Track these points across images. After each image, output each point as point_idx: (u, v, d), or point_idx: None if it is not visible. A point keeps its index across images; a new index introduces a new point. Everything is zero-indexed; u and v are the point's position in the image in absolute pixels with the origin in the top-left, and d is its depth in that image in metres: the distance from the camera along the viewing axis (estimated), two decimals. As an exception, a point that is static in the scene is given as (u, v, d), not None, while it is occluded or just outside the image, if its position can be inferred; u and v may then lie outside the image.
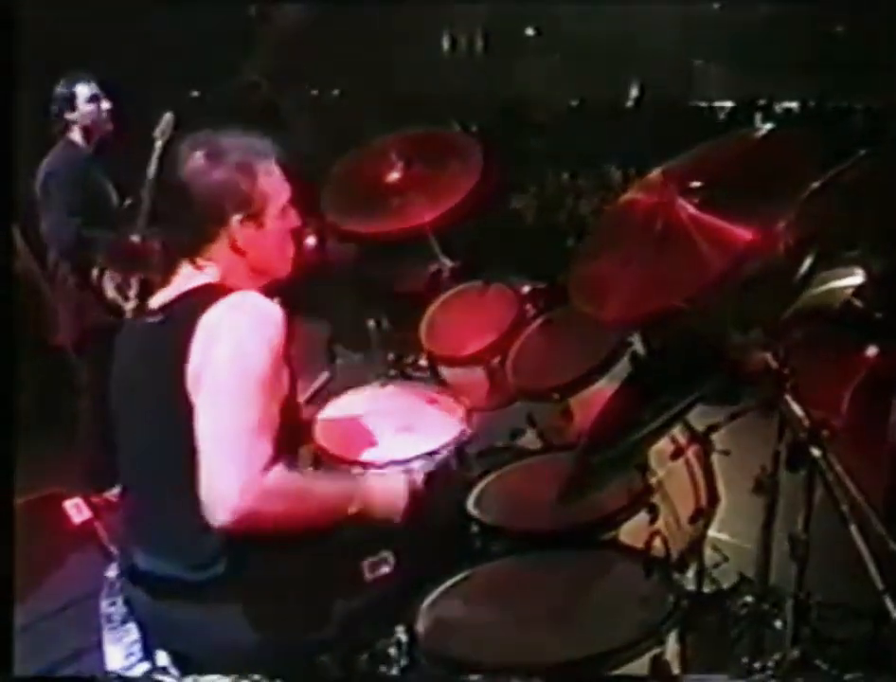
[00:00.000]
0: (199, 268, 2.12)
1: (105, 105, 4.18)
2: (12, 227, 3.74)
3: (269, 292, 2.15)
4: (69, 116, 4.14)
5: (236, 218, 2.09)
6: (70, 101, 4.12)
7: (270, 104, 5.37)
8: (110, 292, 3.96)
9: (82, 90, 4.13)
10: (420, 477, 2.29)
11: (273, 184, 2.14)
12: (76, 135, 4.16)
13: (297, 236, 2.24)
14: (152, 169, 3.86)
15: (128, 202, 4.17)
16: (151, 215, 3.90)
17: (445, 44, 6.15)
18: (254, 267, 2.15)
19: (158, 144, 3.92)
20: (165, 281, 2.16)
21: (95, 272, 4.00)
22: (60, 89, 4.13)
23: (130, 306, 4.15)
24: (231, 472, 1.90)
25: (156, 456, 2.06)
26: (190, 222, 2.12)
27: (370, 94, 5.78)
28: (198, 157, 2.10)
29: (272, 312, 2.03)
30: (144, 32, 5.23)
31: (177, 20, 5.22)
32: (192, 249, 2.13)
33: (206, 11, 5.21)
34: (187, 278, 2.12)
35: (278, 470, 1.98)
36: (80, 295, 4.10)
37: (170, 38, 5.30)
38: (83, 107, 4.13)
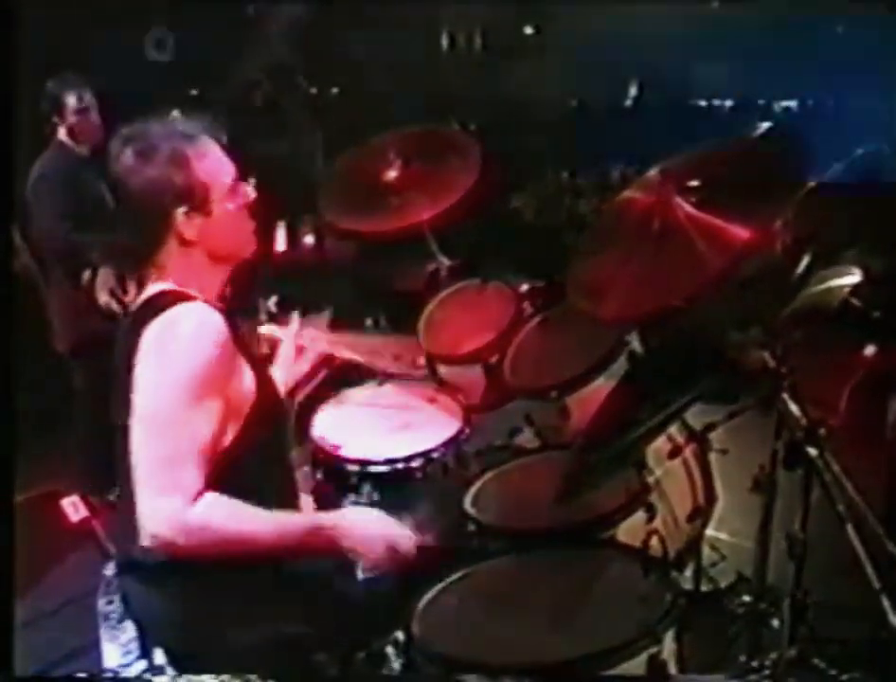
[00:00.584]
0: (159, 272, 2.06)
1: (92, 109, 4.16)
2: (12, 227, 3.76)
3: (268, 285, 2.11)
4: (56, 118, 4.12)
5: (179, 212, 2.01)
6: (57, 103, 4.11)
7: (272, 102, 5.36)
8: (103, 296, 3.96)
9: (69, 92, 4.11)
10: (410, 544, 2.09)
11: (210, 167, 2.03)
12: (64, 137, 4.15)
13: (253, 211, 2.12)
14: None
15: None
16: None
17: (444, 42, 6.15)
18: (212, 255, 2.07)
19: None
20: (142, 283, 2.12)
21: (86, 276, 4.00)
22: (48, 90, 4.11)
23: (127, 311, 4.18)
24: (147, 500, 1.86)
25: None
26: (135, 223, 2.06)
27: (369, 92, 5.78)
28: (128, 155, 2.01)
29: (210, 325, 1.96)
30: (144, 33, 5.23)
31: (177, 20, 5.23)
32: (147, 250, 2.07)
33: (205, 11, 5.21)
34: (157, 278, 2.08)
35: (213, 501, 1.90)
36: (74, 298, 4.08)
37: (169, 38, 5.30)
38: (70, 109, 4.10)
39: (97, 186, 4.16)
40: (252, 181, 2.14)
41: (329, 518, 2.08)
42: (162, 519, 1.86)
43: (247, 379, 2.04)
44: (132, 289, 4.16)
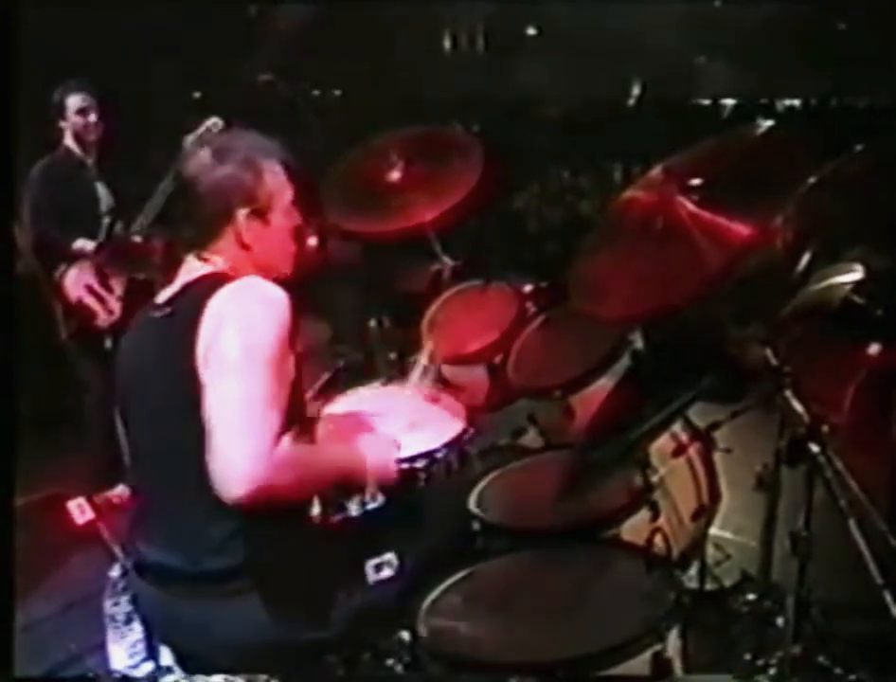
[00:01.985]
0: (205, 260, 2.13)
1: (93, 116, 4.19)
2: (14, 227, 3.77)
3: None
4: (62, 123, 4.17)
5: (242, 213, 2.11)
6: (61, 110, 4.15)
7: (285, 103, 5.37)
8: (74, 292, 4.02)
9: (73, 99, 4.16)
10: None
11: (277, 182, 2.16)
12: (70, 141, 4.19)
13: (299, 235, 2.25)
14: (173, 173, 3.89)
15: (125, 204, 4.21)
16: (159, 214, 3.95)
17: (446, 43, 6.15)
18: (258, 263, 2.16)
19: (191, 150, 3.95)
20: (168, 279, 2.17)
21: (59, 271, 4.04)
22: (53, 97, 4.16)
23: (109, 307, 4.22)
24: (243, 443, 1.91)
25: (167, 447, 2.06)
26: (197, 217, 2.14)
27: (371, 93, 5.79)
28: (204, 154, 2.13)
29: (279, 295, 2.04)
30: (146, 33, 5.24)
31: (179, 20, 5.23)
32: (199, 244, 2.14)
33: (207, 12, 5.22)
34: (191, 270, 2.14)
35: (286, 441, 2.01)
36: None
37: (171, 39, 5.30)
38: (73, 116, 4.15)
39: (94, 188, 4.21)
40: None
41: (355, 445, 2.25)
42: (257, 460, 1.90)
43: (291, 361, 2.10)
44: (116, 288, 4.23)
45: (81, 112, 4.16)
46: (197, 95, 5.69)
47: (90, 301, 4.08)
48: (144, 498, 2.18)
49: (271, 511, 1.94)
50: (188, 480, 1.98)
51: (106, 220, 4.21)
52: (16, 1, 2.31)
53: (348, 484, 2.18)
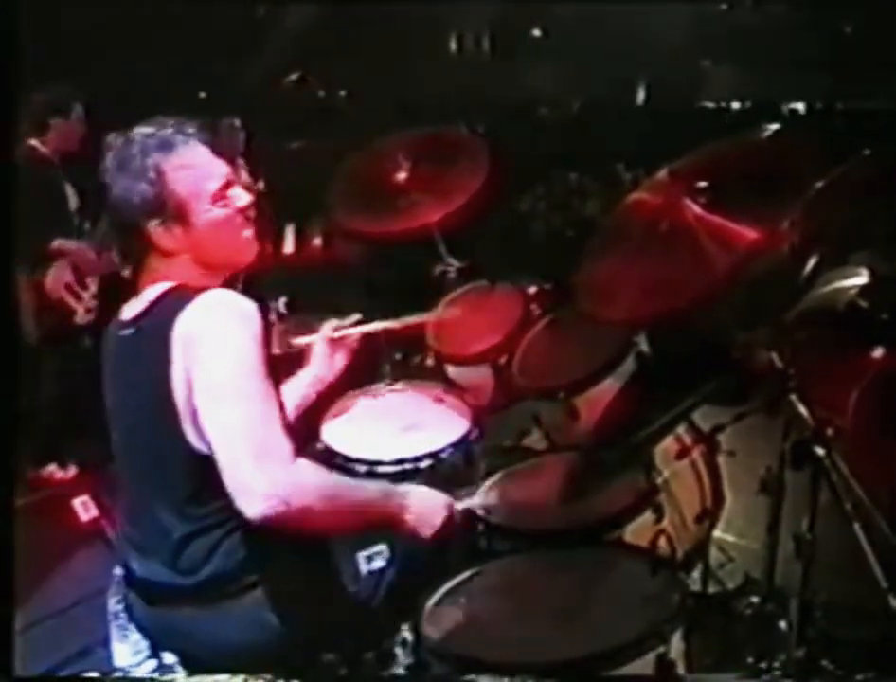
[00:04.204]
0: (154, 275, 2.03)
1: (76, 117, 4.22)
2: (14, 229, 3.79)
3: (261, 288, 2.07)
4: (29, 123, 4.17)
5: (152, 224, 1.97)
6: (40, 113, 4.17)
7: (280, 104, 5.37)
8: (56, 291, 4.06)
9: (53, 101, 4.20)
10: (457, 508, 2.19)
11: (189, 178, 1.98)
12: (34, 141, 4.20)
13: (245, 218, 2.05)
14: None
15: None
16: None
17: (452, 44, 6.15)
18: (200, 263, 2.02)
19: None
20: (134, 287, 2.07)
21: (38, 271, 4.08)
22: (38, 97, 4.17)
23: (86, 305, 4.24)
24: (251, 464, 1.83)
25: (143, 462, 2.04)
26: (116, 231, 2.06)
27: (377, 94, 5.79)
28: (109, 163, 2.00)
29: (247, 306, 1.93)
30: (148, 34, 5.24)
31: (183, 20, 5.23)
32: (127, 254, 2.06)
33: (213, 11, 5.22)
34: (151, 282, 2.03)
35: (306, 464, 1.92)
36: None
37: (175, 39, 5.31)
38: (50, 117, 4.18)
39: (63, 188, 4.23)
40: (258, 184, 2.11)
41: (400, 489, 2.12)
42: (271, 479, 1.83)
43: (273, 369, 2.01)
44: (91, 286, 4.27)
45: (59, 112, 4.18)
46: (202, 94, 5.70)
47: (69, 300, 4.13)
48: (126, 508, 2.16)
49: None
50: (162, 502, 1.98)
51: (76, 220, 4.27)
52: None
53: (381, 528, 2.09)
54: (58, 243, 4.12)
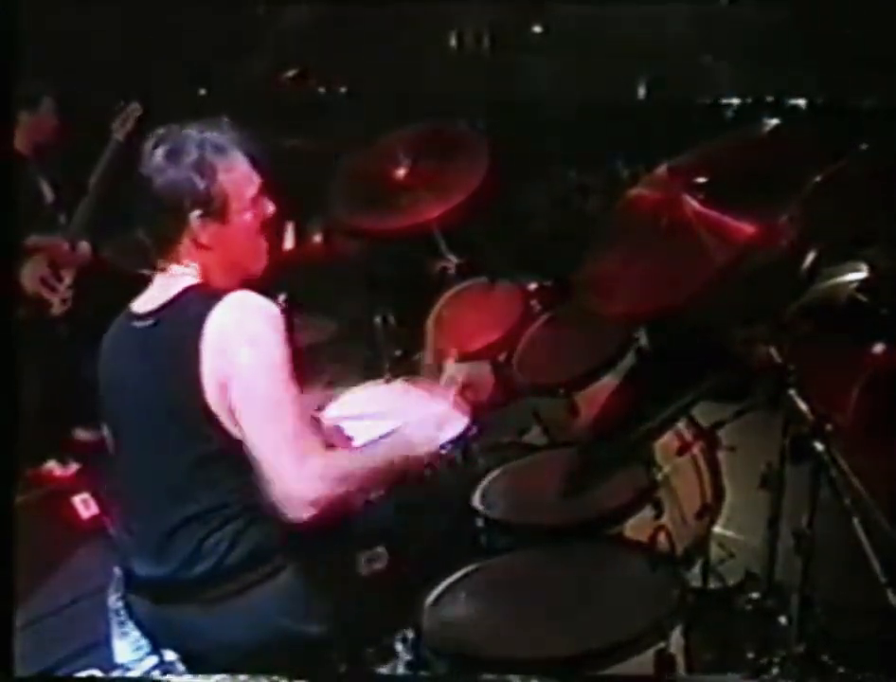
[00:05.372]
0: (181, 265, 2.11)
1: (48, 111, 4.22)
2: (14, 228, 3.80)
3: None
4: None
5: (195, 215, 2.08)
6: (15, 106, 4.16)
7: (279, 102, 5.36)
8: (31, 285, 4.10)
9: (29, 96, 4.17)
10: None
11: (235, 179, 2.11)
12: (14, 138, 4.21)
13: (268, 229, 2.19)
14: (103, 164, 4.05)
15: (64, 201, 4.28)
16: (94, 212, 4.01)
17: (452, 41, 6.14)
18: (224, 263, 2.14)
19: (117, 137, 4.02)
20: (146, 281, 2.17)
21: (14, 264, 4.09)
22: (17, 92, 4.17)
23: (61, 296, 4.26)
24: (298, 470, 1.95)
25: (158, 460, 2.06)
26: (153, 218, 2.13)
27: (377, 91, 5.78)
28: (158, 155, 2.09)
29: (273, 308, 2.05)
30: (149, 33, 5.24)
31: (182, 18, 5.23)
32: (158, 245, 2.13)
33: (213, 8, 5.21)
34: (168, 280, 2.12)
35: (336, 453, 2.11)
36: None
37: (174, 37, 5.30)
38: (24, 114, 4.13)
39: (38, 183, 4.22)
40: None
41: (397, 434, 2.25)
42: (315, 481, 1.95)
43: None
44: (66, 278, 4.32)
45: (32, 105, 4.17)
46: (203, 92, 5.69)
47: (45, 292, 4.16)
48: (131, 508, 2.18)
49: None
50: (177, 502, 2.02)
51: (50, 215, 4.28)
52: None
53: (404, 474, 2.20)
54: (33, 240, 4.14)
